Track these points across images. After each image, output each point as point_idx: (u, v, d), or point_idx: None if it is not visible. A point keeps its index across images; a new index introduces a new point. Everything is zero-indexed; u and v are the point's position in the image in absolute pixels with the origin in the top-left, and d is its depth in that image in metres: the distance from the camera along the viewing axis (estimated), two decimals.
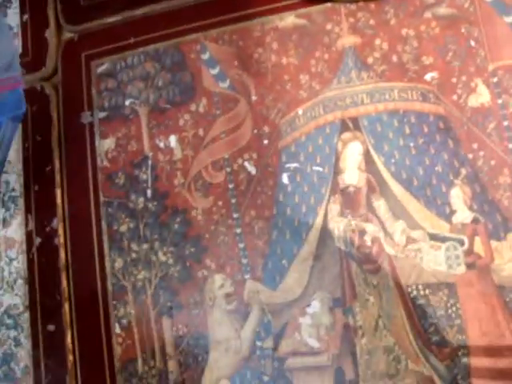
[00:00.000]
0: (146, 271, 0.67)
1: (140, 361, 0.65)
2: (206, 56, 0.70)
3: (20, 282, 0.71)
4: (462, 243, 0.60)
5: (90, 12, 0.74)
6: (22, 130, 0.74)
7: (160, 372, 0.64)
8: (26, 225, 0.71)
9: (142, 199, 0.68)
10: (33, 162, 0.73)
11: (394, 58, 0.65)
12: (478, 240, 0.60)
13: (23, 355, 0.69)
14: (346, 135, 0.65)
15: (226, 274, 0.65)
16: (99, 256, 0.68)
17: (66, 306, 0.68)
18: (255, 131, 0.67)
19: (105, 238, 0.68)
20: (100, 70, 0.73)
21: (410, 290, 0.60)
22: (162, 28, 0.72)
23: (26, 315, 0.69)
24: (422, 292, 0.60)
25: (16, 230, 0.72)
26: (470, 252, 0.60)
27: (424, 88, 0.64)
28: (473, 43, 0.63)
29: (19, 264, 0.71)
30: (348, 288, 0.62)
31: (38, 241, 0.70)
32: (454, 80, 0.63)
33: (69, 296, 0.68)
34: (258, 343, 0.63)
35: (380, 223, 0.62)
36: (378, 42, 0.66)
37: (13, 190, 0.73)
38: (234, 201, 0.66)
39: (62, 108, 0.73)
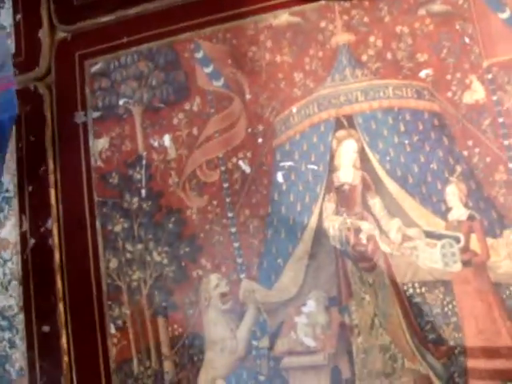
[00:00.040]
0: (141, 271, 0.66)
1: (135, 361, 0.65)
2: (199, 55, 0.70)
3: (14, 283, 0.70)
4: (457, 240, 0.60)
5: (83, 12, 0.74)
6: (16, 130, 0.73)
7: (155, 372, 0.64)
8: (20, 226, 0.71)
9: (136, 199, 0.68)
10: (26, 163, 0.73)
11: (389, 56, 0.65)
12: (473, 237, 0.60)
13: (18, 357, 0.68)
14: (341, 133, 0.64)
15: (221, 274, 0.64)
16: (94, 256, 0.68)
17: (61, 307, 0.67)
18: (249, 130, 0.67)
19: (99, 238, 0.68)
20: (93, 69, 0.72)
21: (405, 288, 0.60)
22: (156, 27, 0.71)
23: (21, 316, 0.69)
24: (418, 290, 0.60)
25: (10, 230, 0.72)
26: (465, 249, 0.60)
27: (419, 85, 0.63)
28: (467, 40, 0.63)
29: (13, 265, 0.71)
30: (344, 287, 0.62)
31: (32, 242, 0.70)
32: (449, 77, 0.63)
33: (63, 297, 0.68)
34: (254, 343, 0.62)
35: (375, 221, 0.62)
36: (372, 39, 0.65)
37: (7, 190, 0.73)
38: (228, 200, 0.65)
39: (56, 108, 0.73)
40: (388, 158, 0.63)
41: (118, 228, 0.68)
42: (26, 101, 0.72)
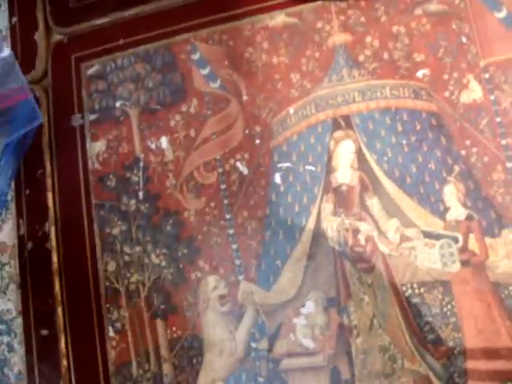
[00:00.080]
0: (139, 274, 0.66)
1: (134, 364, 0.64)
2: (196, 56, 0.69)
3: (12, 286, 0.70)
4: (456, 240, 0.60)
5: (79, 14, 0.74)
6: None
7: (154, 375, 0.64)
8: (18, 229, 0.71)
9: (133, 201, 0.68)
10: (24, 166, 0.73)
11: (386, 56, 0.65)
12: (472, 237, 0.60)
13: (17, 361, 0.68)
14: (338, 134, 0.64)
15: (219, 276, 0.64)
16: (92, 259, 0.68)
17: (59, 311, 0.67)
18: (247, 131, 0.67)
19: (97, 241, 0.68)
20: (90, 71, 0.72)
21: (404, 288, 0.60)
22: (152, 29, 0.71)
23: (19, 320, 0.69)
24: (416, 290, 0.60)
25: (8, 234, 0.72)
26: (464, 249, 0.60)
27: (416, 85, 0.63)
28: (464, 39, 0.63)
29: (11, 268, 0.70)
30: (342, 287, 0.62)
31: (29, 245, 0.70)
32: (446, 77, 0.63)
33: (62, 300, 0.67)
34: (253, 345, 0.62)
35: (374, 222, 0.62)
36: (368, 39, 0.65)
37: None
38: (226, 201, 0.65)
39: (53, 111, 0.73)
40: (386, 159, 0.63)
41: (115, 231, 0.68)
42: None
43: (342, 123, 0.64)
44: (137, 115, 0.70)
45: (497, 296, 0.58)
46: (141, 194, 0.68)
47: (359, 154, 0.63)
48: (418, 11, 0.65)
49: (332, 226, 0.63)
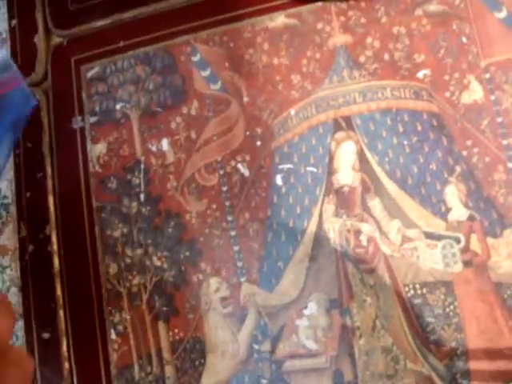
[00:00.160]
0: (141, 276, 0.66)
1: (136, 367, 0.64)
2: (196, 58, 0.69)
3: (14, 289, 0.70)
4: (458, 241, 0.60)
5: (79, 16, 0.74)
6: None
7: (157, 378, 0.64)
8: (19, 232, 0.71)
9: (135, 204, 0.68)
10: (24, 169, 0.72)
11: (386, 56, 0.65)
12: (474, 237, 0.60)
13: None
14: (340, 135, 0.64)
15: (221, 278, 0.64)
16: (93, 262, 0.67)
17: (61, 314, 0.67)
18: (248, 133, 0.66)
19: (98, 243, 0.68)
20: (90, 74, 0.72)
21: (407, 289, 0.60)
22: (152, 31, 0.71)
23: (21, 323, 0.68)
24: (419, 291, 0.60)
25: (9, 237, 0.72)
26: (466, 250, 0.60)
27: (417, 86, 0.63)
28: (464, 40, 0.63)
29: (12, 272, 0.70)
30: (345, 289, 0.62)
31: (30, 248, 0.70)
32: (447, 77, 0.63)
33: (63, 303, 0.67)
34: (255, 346, 0.62)
35: (375, 223, 0.62)
36: (369, 40, 0.65)
37: (4, 197, 0.73)
38: (227, 203, 0.65)
39: (53, 113, 0.73)
40: (387, 159, 0.63)
41: (116, 233, 0.68)
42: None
43: (343, 124, 0.64)
44: (137, 117, 0.70)
45: (499, 296, 0.58)
46: (142, 197, 0.68)
47: (360, 155, 0.63)
48: (419, 12, 0.65)
49: (334, 227, 0.63)
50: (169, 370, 0.64)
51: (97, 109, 0.71)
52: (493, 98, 0.61)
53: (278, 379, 0.61)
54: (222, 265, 0.64)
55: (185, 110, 0.69)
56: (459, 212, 0.60)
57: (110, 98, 0.71)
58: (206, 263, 0.65)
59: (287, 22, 0.68)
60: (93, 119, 0.71)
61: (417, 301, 0.60)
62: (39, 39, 0.75)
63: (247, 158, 0.66)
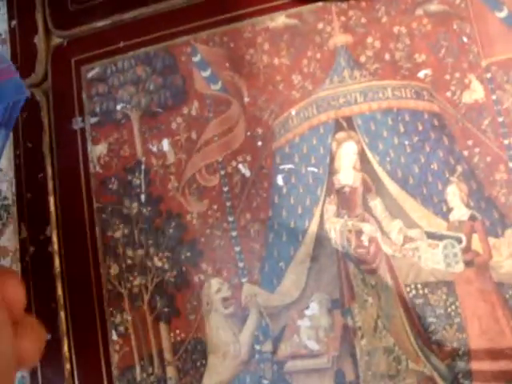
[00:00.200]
0: (142, 277, 0.66)
1: (138, 368, 0.64)
2: (197, 58, 0.69)
3: None
4: (459, 241, 0.60)
5: (79, 17, 0.74)
6: (13, 137, 0.73)
7: (158, 379, 0.64)
8: (20, 233, 0.71)
9: (135, 204, 0.68)
10: (24, 170, 0.72)
11: (387, 56, 0.65)
12: (475, 237, 0.60)
13: None
14: (341, 135, 0.64)
15: (222, 278, 0.64)
16: (94, 263, 0.67)
17: (62, 315, 0.67)
18: (248, 133, 0.66)
19: (99, 244, 0.68)
20: (90, 74, 0.72)
21: (408, 289, 0.60)
22: (152, 31, 0.71)
23: None
24: (420, 291, 0.60)
25: (9, 238, 0.71)
26: (467, 250, 0.60)
27: (417, 85, 0.63)
28: (465, 39, 0.63)
29: None
30: (346, 289, 0.61)
31: (31, 249, 0.70)
32: (448, 77, 0.63)
33: (64, 304, 0.67)
34: (257, 347, 0.62)
35: (377, 223, 0.62)
36: (370, 40, 0.65)
37: (5, 198, 0.72)
38: (228, 204, 0.65)
39: (53, 114, 0.72)
40: (388, 159, 0.62)
41: (118, 234, 0.67)
42: (22, 107, 0.72)
43: (344, 124, 0.64)
44: (138, 118, 0.70)
45: (501, 296, 0.58)
46: (143, 197, 0.68)
47: (362, 155, 0.63)
48: (419, 11, 0.64)
49: (335, 227, 0.63)
50: (170, 371, 0.63)
51: (97, 109, 0.71)
52: (494, 97, 0.61)
53: (280, 380, 0.61)
54: (224, 265, 0.64)
55: (185, 111, 0.68)
56: (461, 212, 0.60)
57: (111, 99, 0.71)
58: (207, 264, 0.65)
59: (288, 22, 0.67)
60: (93, 120, 0.71)
61: (418, 301, 0.59)
62: (39, 40, 0.75)
63: (248, 158, 0.66)
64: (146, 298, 0.65)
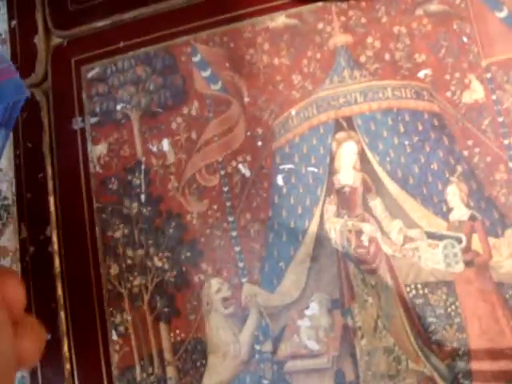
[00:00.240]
0: (142, 277, 0.66)
1: (138, 368, 0.64)
2: (197, 58, 0.69)
3: None
4: (459, 241, 0.60)
5: (79, 17, 0.74)
6: (13, 137, 0.73)
7: (158, 379, 0.64)
8: (20, 233, 0.71)
9: (135, 204, 0.68)
10: (24, 170, 0.72)
11: (387, 56, 0.65)
12: (475, 237, 0.60)
13: None
14: (341, 135, 0.64)
15: (222, 278, 0.64)
16: (94, 263, 0.67)
17: (62, 315, 0.67)
18: (248, 133, 0.66)
19: (99, 244, 0.68)
20: (90, 74, 0.72)
21: (408, 289, 0.60)
22: (152, 31, 0.71)
23: None
24: (420, 291, 0.60)
25: (9, 238, 0.71)
26: (467, 250, 0.59)
27: (417, 85, 0.63)
28: (465, 39, 0.63)
29: None
30: (346, 289, 0.61)
31: (31, 249, 0.70)
32: (448, 77, 0.63)
33: (64, 304, 0.67)
34: (257, 347, 0.62)
35: (377, 223, 0.62)
36: (370, 40, 0.65)
37: (5, 198, 0.72)
38: (228, 204, 0.65)
39: (53, 114, 0.72)
40: (388, 159, 0.62)
41: (117, 234, 0.67)
42: (22, 107, 0.72)
43: (344, 124, 0.64)
44: (138, 118, 0.70)
45: (501, 296, 0.58)
46: (143, 197, 0.68)
47: (362, 155, 0.63)
48: (419, 11, 0.64)
49: (335, 227, 0.63)
50: (170, 371, 0.63)
51: (97, 109, 0.71)
52: (494, 97, 0.61)
53: (280, 380, 0.61)
54: (223, 265, 0.64)
55: (185, 111, 0.68)
56: (460, 212, 0.60)
57: (111, 99, 0.71)
58: (207, 264, 0.65)
59: (288, 22, 0.67)
60: (93, 120, 0.71)
61: (418, 301, 0.59)
62: (39, 40, 0.75)
63: (248, 158, 0.66)
64: (146, 298, 0.65)
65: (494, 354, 0.57)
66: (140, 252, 0.66)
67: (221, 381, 0.63)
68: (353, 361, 0.60)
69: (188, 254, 0.65)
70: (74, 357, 0.66)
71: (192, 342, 0.64)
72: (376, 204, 0.62)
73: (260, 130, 0.66)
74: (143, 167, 0.68)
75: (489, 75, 0.62)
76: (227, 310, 0.64)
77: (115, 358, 0.65)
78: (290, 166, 0.65)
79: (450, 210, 0.61)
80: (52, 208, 0.70)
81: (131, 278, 0.66)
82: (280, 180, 0.65)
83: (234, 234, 0.64)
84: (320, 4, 0.67)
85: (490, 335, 0.57)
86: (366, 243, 0.62)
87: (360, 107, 0.64)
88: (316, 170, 0.64)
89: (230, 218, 0.65)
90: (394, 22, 0.65)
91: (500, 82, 0.61)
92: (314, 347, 0.61)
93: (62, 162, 0.71)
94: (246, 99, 0.67)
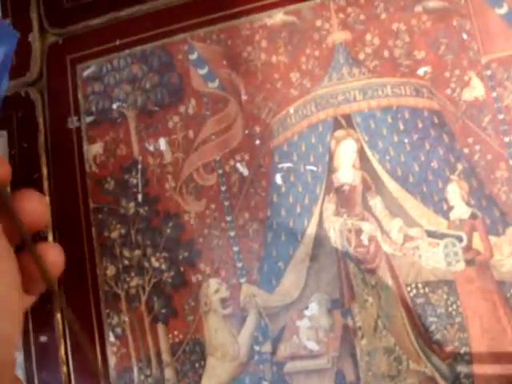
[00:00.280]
0: (139, 278, 0.65)
1: (136, 370, 0.64)
2: (193, 56, 0.69)
3: None
4: (460, 239, 0.59)
5: (74, 14, 0.73)
6: (8, 136, 0.72)
7: (156, 381, 0.63)
8: None
9: (132, 204, 0.67)
10: (20, 170, 0.71)
11: (386, 54, 0.64)
12: (476, 236, 0.59)
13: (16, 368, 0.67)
14: (340, 133, 0.64)
15: (220, 279, 0.63)
16: (90, 264, 0.67)
17: (59, 317, 0.66)
18: (246, 131, 0.66)
19: (96, 245, 0.67)
20: (86, 73, 0.71)
21: (409, 288, 0.59)
22: (148, 29, 0.70)
23: None
24: (421, 290, 0.59)
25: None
26: (468, 248, 0.59)
27: (417, 83, 0.63)
28: (465, 36, 0.62)
29: None
30: (346, 289, 0.61)
31: None
32: (448, 74, 0.62)
33: (61, 306, 0.66)
34: (256, 348, 0.61)
35: (376, 221, 0.61)
36: (368, 37, 0.65)
37: None
38: (226, 203, 0.64)
39: (48, 113, 0.72)
40: (388, 158, 0.62)
41: (114, 234, 0.67)
42: (17, 107, 0.71)
43: (343, 122, 0.64)
44: (134, 117, 0.69)
45: (502, 295, 0.58)
46: (140, 197, 0.67)
47: (361, 153, 0.63)
48: (418, 8, 0.64)
49: (334, 226, 0.62)
50: (168, 373, 0.63)
51: (93, 108, 0.70)
52: (494, 94, 0.61)
53: (280, 381, 0.60)
54: (222, 265, 0.63)
55: (182, 109, 0.68)
56: (461, 210, 0.60)
57: (107, 98, 0.70)
58: (206, 264, 0.64)
59: (286, 19, 0.67)
60: (89, 119, 0.70)
61: (419, 300, 0.59)
62: (34, 38, 0.74)
63: (246, 157, 0.65)
64: (144, 298, 0.65)
65: (496, 354, 0.56)
66: (137, 252, 0.66)
67: (220, 382, 0.62)
68: (353, 361, 0.59)
69: (186, 254, 0.64)
70: (70, 359, 0.65)
71: (190, 344, 0.63)
72: (376, 203, 0.62)
73: (258, 129, 0.65)
74: (140, 166, 0.67)
75: (489, 72, 0.61)
76: (226, 311, 0.63)
77: (112, 360, 0.64)
78: (288, 164, 0.64)
79: (450, 208, 0.60)
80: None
81: (128, 279, 0.65)
82: (278, 179, 0.64)
83: (232, 233, 0.64)
84: (318, 1, 0.66)
85: (492, 334, 0.57)
86: (365, 242, 0.61)
87: (359, 105, 0.63)
88: (315, 168, 0.63)
89: (228, 218, 0.64)
90: (393, 18, 0.64)
91: (500, 79, 0.61)
92: (314, 348, 0.60)
93: (57, 161, 0.70)
94: (244, 97, 0.66)
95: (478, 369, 0.57)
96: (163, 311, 0.64)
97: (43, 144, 0.71)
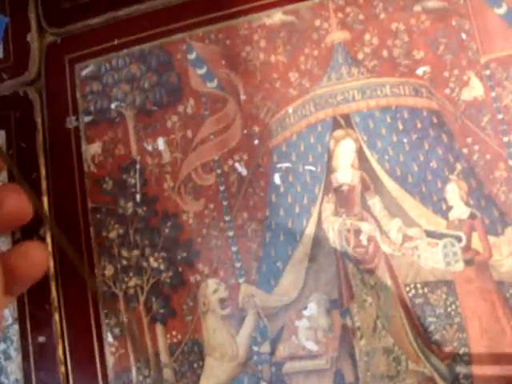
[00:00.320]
0: (138, 278, 0.65)
1: (134, 370, 0.63)
2: (192, 56, 0.68)
3: None
4: (459, 240, 0.59)
5: (73, 14, 0.72)
6: (6, 136, 0.72)
7: (155, 381, 0.63)
8: (13, 234, 0.69)
9: (131, 204, 0.67)
10: (18, 170, 0.71)
11: (385, 53, 0.64)
12: (475, 236, 0.59)
13: (13, 369, 0.67)
14: (338, 133, 0.63)
15: (219, 279, 0.63)
16: (89, 264, 0.66)
17: (57, 317, 0.66)
18: (245, 131, 0.65)
19: (94, 245, 0.67)
20: (84, 72, 0.71)
21: (408, 288, 0.59)
22: (147, 28, 0.70)
23: (16, 327, 0.67)
24: (420, 290, 0.59)
25: (3, 240, 0.70)
26: (467, 248, 0.59)
27: (416, 83, 0.63)
28: (464, 36, 0.62)
29: None
30: (345, 289, 0.61)
31: None
32: (447, 74, 0.62)
33: (59, 306, 0.66)
34: (255, 348, 0.61)
35: (375, 221, 0.61)
36: (367, 37, 0.64)
37: None
38: (225, 203, 0.64)
39: (47, 113, 0.71)
40: (387, 157, 0.62)
41: (112, 234, 0.66)
42: (15, 106, 0.71)
43: (342, 122, 0.63)
44: (132, 116, 0.69)
45: (501, 295, 0.57)
46: (138, 197, 0.67)
47: (360, 153, 0.63)
48: (417, 8, 0.64)
49: (333, 226, 0.62)
50: (167, 373, 0.63)
51: (91, 108, 0.70)
52: (493, 94, 0.61)
53: (278, 381, 0.60)
54: (220, 265, 0.63)
55: (181, 109, 0.67)
56: (460, 210, 0.60)
57: (105, 97, 0.70)
58: (204, 264, 0.64)
59: (284, 18, 0.67)
60: (87, 118, 0.70)
61: (418, 300, 0.59)
62: (32, 38, 0.73)
63: (245, 156, 0.65)
64: (142, 299, 0.64)
65: (495, 354, 0.56)
66: (135, 252, 0.66)
67: (218, 383, 0.62)
68: (352, 361, 0.59)
69: (184, 254, 0.64)
70: (68, 359, 0.65)
71: (189, 344, 0.63)
72: (375, 202, 0.61)
73: (257, 128, 0.65)
74: (138, 166, 0.67)
75: (488, 72, 0.61)
76: (224, 311, 0.63)
77: (111, 361, 0.64)
78: (287, 164, 0.64)
79: (449, 208, 0.60)
80: (46, 208, 0.69)
81: (126, 279, 0.65)
82: (277, 179, 0.64)
83: (230, 233, 0.64)
84: (317, 0, 0.66)
85: (491, 335, 0.57)
86: (364, 242, 0.61)
87: (358, 105, 0.63)
88: (314, 168, 0.63)
89: (227, 218, 0.64)
90: (392, 18, 0.64)
91: (499, 78, 0.61)
92: (313, 348, 0.60)
93: (55, 161, 0.70)
94: (243, 97, 0.66)
95: (477, 369, 0.56)
96: (161, 311, 0.64)
97: (41, 144, 0.71)
